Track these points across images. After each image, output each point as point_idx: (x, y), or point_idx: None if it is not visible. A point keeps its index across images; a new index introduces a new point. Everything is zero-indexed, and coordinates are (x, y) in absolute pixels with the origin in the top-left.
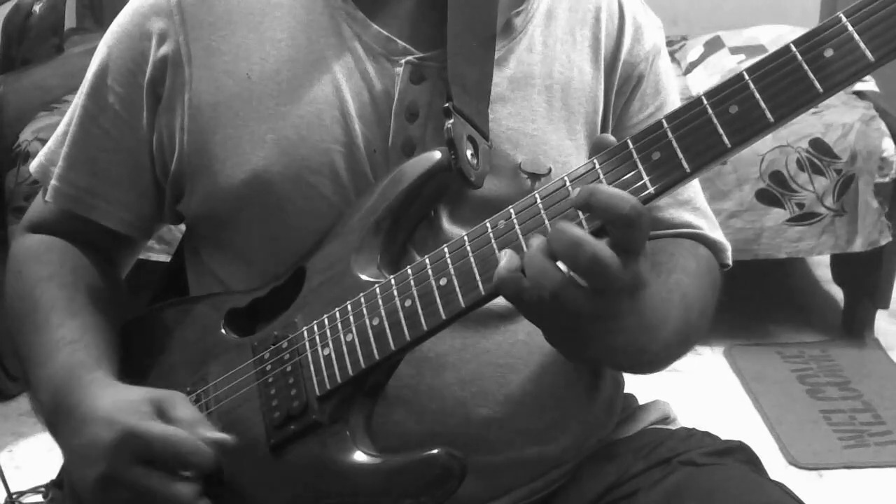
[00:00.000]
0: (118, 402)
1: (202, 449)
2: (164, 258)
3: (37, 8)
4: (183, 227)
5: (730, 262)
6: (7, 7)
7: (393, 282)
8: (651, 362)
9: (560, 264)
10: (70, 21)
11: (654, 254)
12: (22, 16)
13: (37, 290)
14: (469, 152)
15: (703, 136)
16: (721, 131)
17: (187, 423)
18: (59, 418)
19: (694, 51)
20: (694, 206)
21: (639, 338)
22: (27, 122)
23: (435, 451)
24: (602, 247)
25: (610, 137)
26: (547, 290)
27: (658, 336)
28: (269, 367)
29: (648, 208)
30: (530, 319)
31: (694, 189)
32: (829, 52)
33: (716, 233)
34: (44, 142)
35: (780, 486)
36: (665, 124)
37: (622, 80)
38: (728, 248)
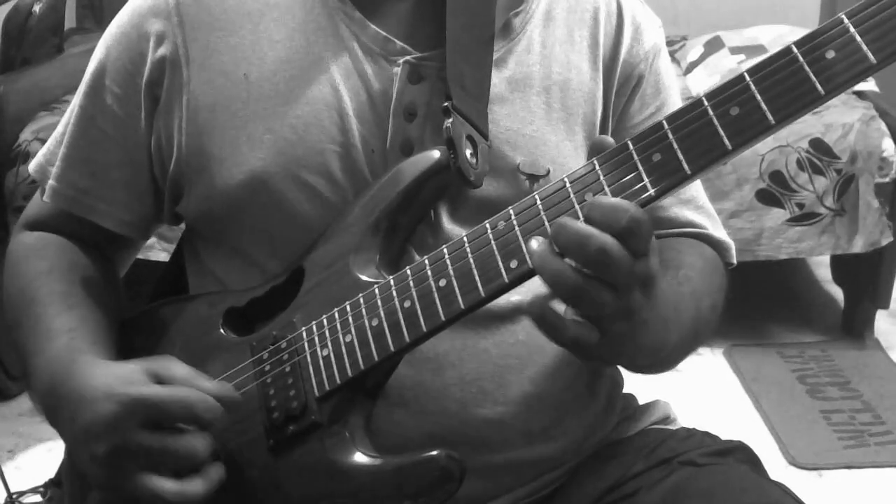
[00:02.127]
0: (113, 374)
1: (208, 399)
2: (164, 257)
3: (37, 8)
4: (183, 226)
5: (734, 261)
6: (7, 7)
7: (392, 282)
8: (668, 358)
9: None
10: (70, 21)
11: (660, 252)
12: (22, 16)
13: (34, 283)
14: (468, 152)
15: (703, 137)
16: (722, 133)
17: (185, 380)
18: (57, 405)
19: (694, 51)
20: (697, 204)
21: (657, 334)
22: (27, 122)
23: (434, 452)
24: (609, 239)
25: (608, 139)
26: (568, 288)
27: (673, 331)
28: (267, 368)
29: (649, 208)
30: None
31: (696, 188)
32: (830, 54)
33: (719, 231)
34: (44, 142)
35: (780, 486)
36: (666, 125)
37: (622, 81)
38: (732, 247)
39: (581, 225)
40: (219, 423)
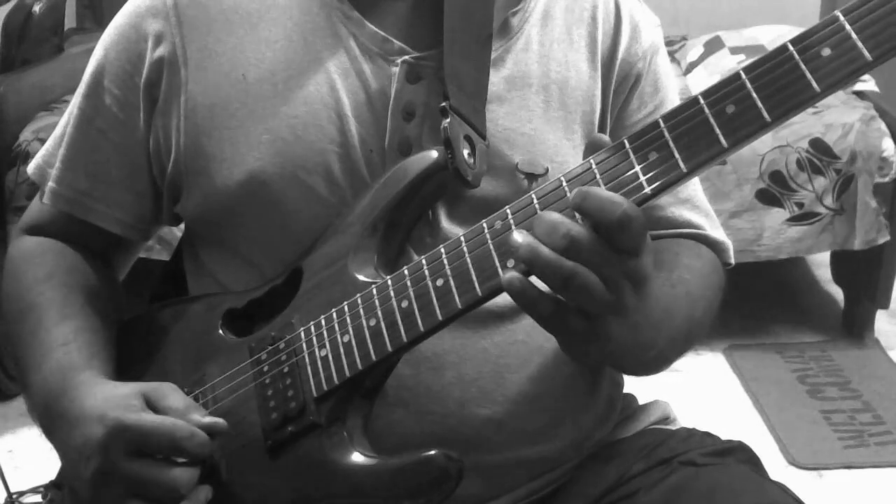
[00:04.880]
0: (107, 398)
1: (196, 434)
2: (165, 257)
3: (37, 8)
4: (182, 227)
5: (732, 262)
6: (7, 7)
7: (390, 282)
8: (656, 360)
9: None
10: (70, 21)
11: (657, 252)
12: (22, 16)
13: (32, 291)
14: (466, 152)
15: (699, 135)
16: (718, 131)
17: (179, 411)
18: (52, 421)
19: (694, 51)
20: (694, 204)
21: (646, 335)
22: (27, 122)
23: (432, 452)
24: (575, 226)
25: (604, 137)
26: (562, 275)
27: (663, 332)
28: (266, 368)
29: (646, 207)
30: (545, 325)
31: (694, 187)
32: (826, 52)
33: (717, 231)
34: (44, 142)
35: (780, 486)
36: (662, 124)
37: (620, 79)
38: (730, 248)
39: (553, 214)
40: (203, 457)
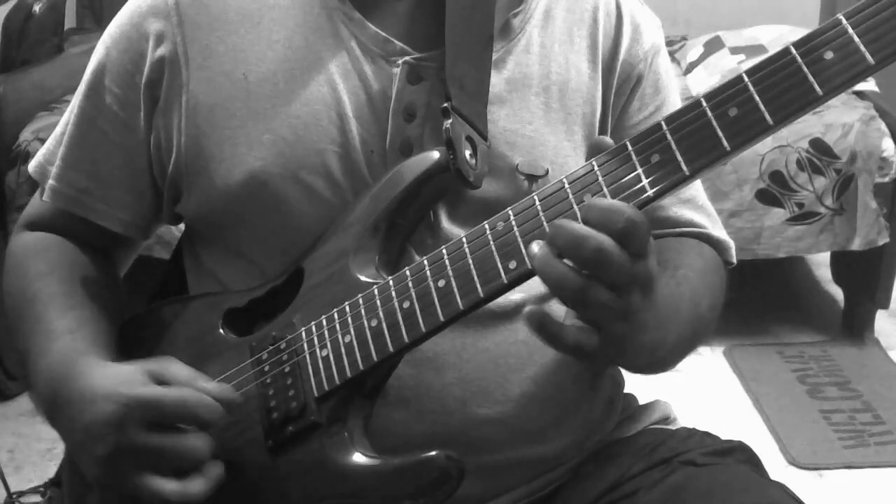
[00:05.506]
0: (113, 376)
1: (206, 399)
2: (166, 256)
3: (37, 8)
4: (182, 226)
5: (734, 260)
6: (7, 7)
7: (391, 283)
8: (665, 358)
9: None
10: (70, 21)
11: (659, 252)
12: (22, 16)
13: (35, 284)
14: (467, 153)
15: (702, 138)
16: (720, 134)
17: (185, 380)
18: (58, 407)
19: (694, 51)
20: (696, 204)
21: (655, 334)
22: (27, 122)
23: (433, 453)
24: (605, 238)
25: (607, 139)
26: (570, 290)
27: (671, 331)
28: (267, 368)
29: (648, 208)
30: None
31: (696, 187)
32: (828, 55)
33: (719, 231)
34: (44, 142)
35: (781, 486)
36: (664, 126)
37: (621, 80)
38: (731, 247)
39: (578, 226)
40: (218, 423)
